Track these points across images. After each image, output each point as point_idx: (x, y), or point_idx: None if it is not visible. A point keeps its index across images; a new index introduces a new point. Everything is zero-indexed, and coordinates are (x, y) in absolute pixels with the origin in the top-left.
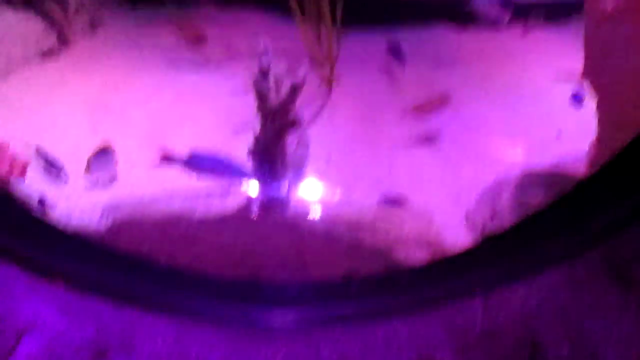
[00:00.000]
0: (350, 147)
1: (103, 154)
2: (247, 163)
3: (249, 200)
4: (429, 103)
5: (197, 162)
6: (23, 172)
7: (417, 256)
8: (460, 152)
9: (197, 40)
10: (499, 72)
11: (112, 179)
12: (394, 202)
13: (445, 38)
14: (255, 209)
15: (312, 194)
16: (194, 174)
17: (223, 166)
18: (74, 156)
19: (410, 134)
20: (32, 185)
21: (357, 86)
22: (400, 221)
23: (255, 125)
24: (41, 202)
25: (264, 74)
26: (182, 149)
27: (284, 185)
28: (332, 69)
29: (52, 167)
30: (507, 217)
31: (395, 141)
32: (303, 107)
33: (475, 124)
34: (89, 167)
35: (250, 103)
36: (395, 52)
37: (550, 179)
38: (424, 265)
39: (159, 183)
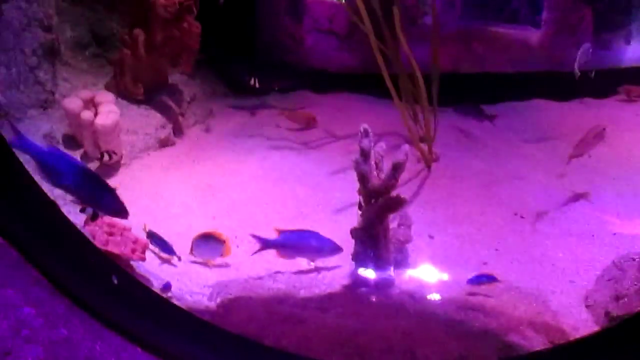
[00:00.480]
0: (454, 226)
1: (207, 238)
2: (350, 243)
3: (354, 281)
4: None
5: (291, 243)
6: (143, 253)
7: (533, 340)
8: (573, 228)
9: (308, 124)
10: (607, 144)
11: (218, 260)
12: (504, 282)
13: (545, 111)
14: (359, 290)
15: (416, 274)
16: (292, 254)
17: (317, 245)
18: (184, 237)
19: (516, 209)
20: (149, 266)
21: (457, 163)
22: (513, 302)
23: (357, 205)
24: (166, 286)
25: (365, 155)
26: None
27: (388, 266)
28: (430, 147)
29: (164, 248)
30: (633, 299)
31: (502, 217)
32: (403, 185)
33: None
34: (193, 249)
35: (349, 183)
36: (477, 114)
37: None
38: (544, 350)
39: (263, 262)
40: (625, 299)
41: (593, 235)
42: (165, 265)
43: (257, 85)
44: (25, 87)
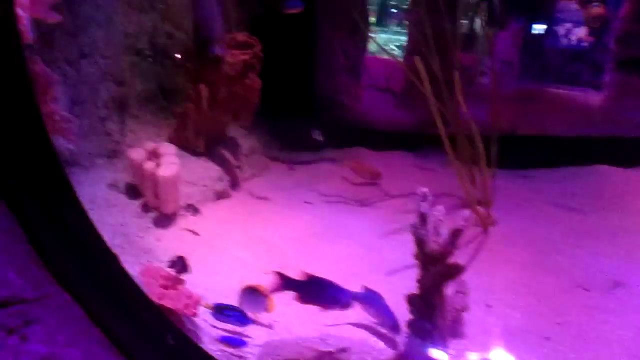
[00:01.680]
0: (513, 295)
1: (253, 291)
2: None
3: (407, 350)
4: None
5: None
6: (195, 309)
7: None
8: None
9: (373, 178)
10: None
11: (264, 315)
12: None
13: (609, 177)
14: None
15: (472, 347)
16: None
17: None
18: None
19: (579, 281)
20: (202, 321)
21: (515, 228)
22: None
23: (413, 270)
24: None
25: (423, 219)
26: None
27: (444, 335)
28: (488, 211)
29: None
30: None
31: (564, 289)
32: (461, 250)
33: None
34: (240, 303)
35: (404, 245)
36: None
37: None
38: None
39: (312, 323)
40: None
41: None
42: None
43: (321, 139)
44: (96, 137)
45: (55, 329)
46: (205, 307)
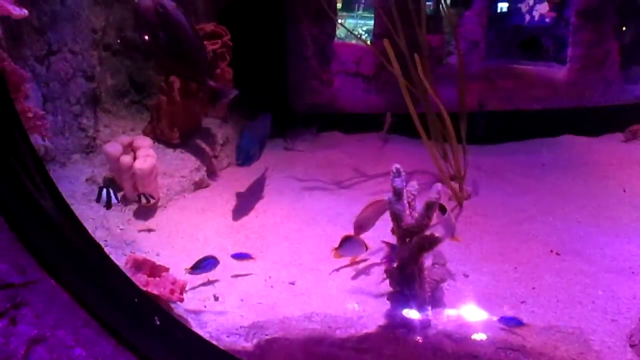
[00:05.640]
0: (489, 264)
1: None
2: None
3: (390, 321)
4: None
5: None
6: (181, 294)
7: None
8: (612, 264)
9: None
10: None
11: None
12: (531, 326)
13: (575, 146)
14: (396, 330)
15: (453, 314)
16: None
17: None
18: (219, 276)
19: (552, 246)
20: (186, 306)
21: (489, 200)
22: (553, 342)
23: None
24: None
25: (397, 195)
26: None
27: (424, 305)
28: (461, 185)
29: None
30: None
31: (538, 255)
32: (436, 224)
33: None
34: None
35: (382, 223)
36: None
37: None
38: None
39: (298, 303)
40: None
41: (633, 272)
42: (202, 306)
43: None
44: (70, 133)
45: (42, 311)
46: (185, 271)
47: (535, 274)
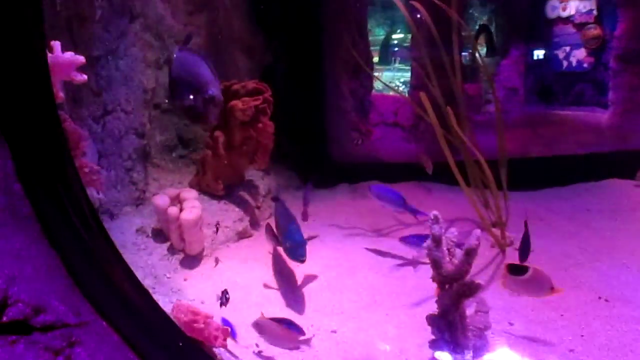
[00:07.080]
0: (534, 312)
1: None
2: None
3: None
4: None
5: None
6: (225, 340)
7: None
8: None
9: None
10: None
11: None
12: None
13: (621, 190)
14: None
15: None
16: None
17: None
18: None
19: (599, 293)
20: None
21: (533, 246)
22: None
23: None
24: None
25: (436, 242)
26: (357, 316)
27: (467, 353)
28: (503, 232)
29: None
30: None
31: (585, 302)
32: (480, 272)
33: None
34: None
35: (423, 271)
36: None
37: None
38: None
39: (340, 351)
40: None
41: None
42: (247, 354)
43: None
44: (122, 187)
45: (94, 350)
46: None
47: (583, 321)
